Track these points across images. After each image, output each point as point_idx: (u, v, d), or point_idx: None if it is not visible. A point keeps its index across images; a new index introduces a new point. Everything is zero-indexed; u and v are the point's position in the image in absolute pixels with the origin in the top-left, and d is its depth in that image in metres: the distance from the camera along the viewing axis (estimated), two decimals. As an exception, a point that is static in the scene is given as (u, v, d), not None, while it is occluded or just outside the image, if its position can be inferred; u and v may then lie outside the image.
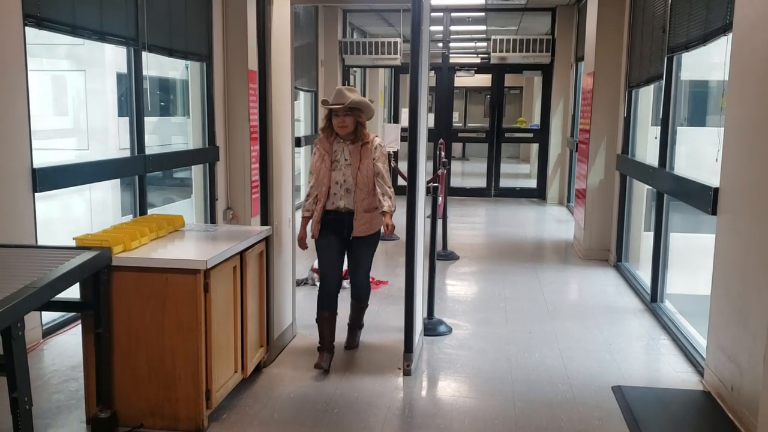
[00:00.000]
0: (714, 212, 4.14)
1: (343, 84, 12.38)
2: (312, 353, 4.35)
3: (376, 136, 4.27)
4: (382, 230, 4.26)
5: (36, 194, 4.55)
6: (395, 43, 12.09)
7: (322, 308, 4.31)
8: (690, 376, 4.32)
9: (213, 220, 7.34)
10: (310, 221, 4.29)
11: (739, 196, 3.82)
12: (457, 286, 6.52)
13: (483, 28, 13.84)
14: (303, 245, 4.44)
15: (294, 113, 4.85)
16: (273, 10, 4.33)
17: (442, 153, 7.82)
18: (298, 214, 4.56)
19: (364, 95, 14.94)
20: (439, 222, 6.85)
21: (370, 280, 6.15)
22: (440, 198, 6.49)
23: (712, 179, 4.26)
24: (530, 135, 13.62)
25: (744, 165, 3.75)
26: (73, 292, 3.19)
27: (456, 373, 4.33)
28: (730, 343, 3.79)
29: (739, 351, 3.65)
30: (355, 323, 4.68)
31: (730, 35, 4.05)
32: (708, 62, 5.70)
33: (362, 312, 4.69)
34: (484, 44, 14.81)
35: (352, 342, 4.66)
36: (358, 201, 4.17)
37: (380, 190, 4.19)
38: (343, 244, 4.28)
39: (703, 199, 4.31)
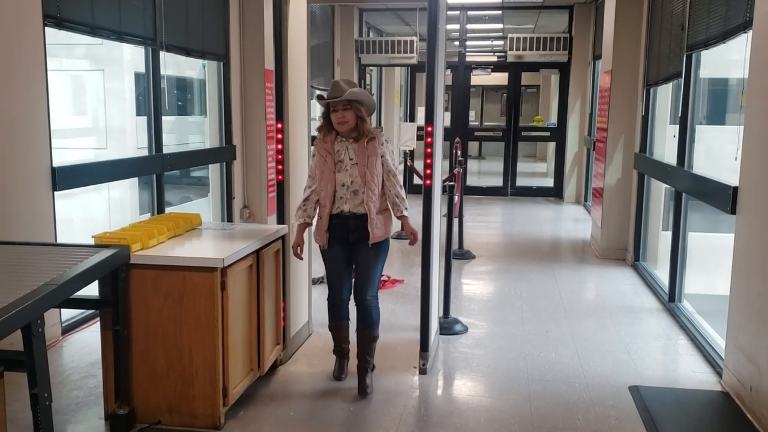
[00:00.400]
0: (733, 211, 4.10)
1: (360, 83, 12.40)
2: (328, 351, 4.35)
3: (381, 132, 3.90)
4: (393, 236, 3.97)
5: (55, 193, 4.60)
6: (411, 41, 12.08)
7: (334, 319, 4.08)
8: (708, 376, 4.29)
9: (230, 219, 7.38)
10: (308, 228, 4.01)
11: (759, 194, 3.77)
12: (473, 285, 6.51)
13: (500, 26, 13.78)
14: (299, 254, 4.00)
15: (310, 112, 4.86)
16: (290, 9, 4.34)
17: (459, 152, 7.81)
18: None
19: (381, 94, 14.99)
20: (455, 221, 6.84)
21: (386, 278, 6.19)
22: (456, 197, 6.48)
23: (732, 178, 4.22)
24: (547, 134, 13.53)
25: (764, 163, 3.71)
26: (92, 290, 3.22)
27: (472, 372, 4.33)
28: (750, 343, 3.75)
29: (759, 351, 3.61)
30: (365, 361, 3.98)
31: (750, 32, 4.01)
32: (728, 60, 5.64)
33: (372, 344, 4.00)
34: (501, 42, 14.74)
35: (364, 387, 3.92)
36: (369, 203, 3.77)
37: (393, 191, 3.83)
38: (348, 251, 3.90)
39: (723, 198, 4.27)
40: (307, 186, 3.96)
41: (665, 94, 6.83)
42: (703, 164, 5.58)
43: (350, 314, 4.10)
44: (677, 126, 5.69)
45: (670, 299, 5.68)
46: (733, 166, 4.22)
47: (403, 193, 3.88)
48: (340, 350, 4.16)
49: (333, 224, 3.84)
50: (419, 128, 8.41)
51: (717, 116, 6.61)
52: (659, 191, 6.92)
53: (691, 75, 5.45)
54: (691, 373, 4.36)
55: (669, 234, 5.87)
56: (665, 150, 6.68)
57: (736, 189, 4.08)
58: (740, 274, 4.01)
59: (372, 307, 3.94)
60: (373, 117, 4.07)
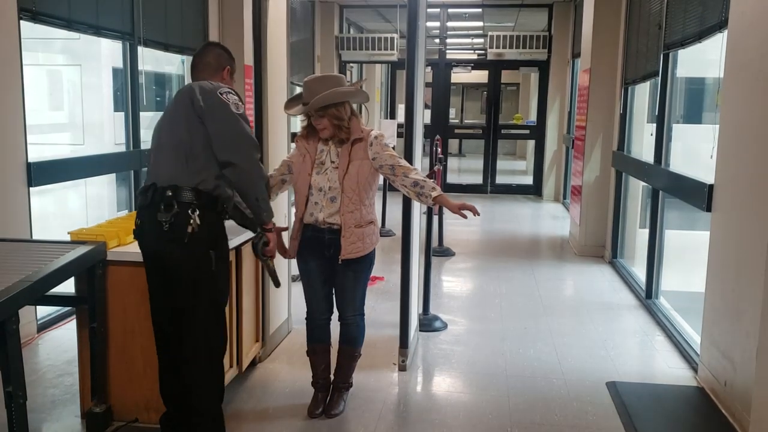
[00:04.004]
0: (709, 209, 4.15)
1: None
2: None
3: (372, 129, 3.48)
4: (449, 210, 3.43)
5: (31, 189, 4.54)
6: (392, 38, 12.09)
7: (312, 341, 3.68)
8: (684, 372, 4.34)
9: (209, 216, 7.31)
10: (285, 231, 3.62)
11: (733, 192, 3.83)
12: (453, 282, 6.53)
13: (480, 24, 13.83)
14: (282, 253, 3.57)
15: (290, 108, 4.84)
16: (269, 4, 4.32)
17: (439, 149, 7.82)
18: (293, 210, 3.93)
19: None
20: (435, 218, 6.85)
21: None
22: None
23: (707, 176, 4.27)
24: (527, 131, 13.59)
25: (738, 162, 3.76)
26: (68, 287, 3.19)
27: (451, 368, 4.34)
28: (724, 339, 3.80)
29: (733, 347, 3.66)
30: (342, 379, 3.73)
31: (726, 32, 4.06)
32: (704, 59, 5.71)
33: (353, 362, 3.74)
34: (481, 40, 14.79)
35: (336, 406, 3.65)
36: (346, 213, 3.35)
37: (408, 183, 3.38)
38: (325, 267, 3.51)
39: (698, 195, 4.32)
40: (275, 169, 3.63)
41: (643, 93, 6.90)
42: (680, 163, 5.64)
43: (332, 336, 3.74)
44: (654, 124, 5.74)
45: (647, 296, 5.74)
46: (709, 164, 4.27)
47: (417, 176, 3.41)
48: (316, 383, 3.72)
49: (306, 236, 3.48)
50: (399, 125, 8.42)
51: (694, 115, 6.68)
52: (637, 189, 6.99)
53: (668, 74, 5.51)
54: (668, 368, 4.41)
55: (646, 231, 5.93)
56: (643, 148, 6.74)
57: (711, 187, 4.13)
58: (715, 271, 4.06)
59: (352, 324, 3.62)
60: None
